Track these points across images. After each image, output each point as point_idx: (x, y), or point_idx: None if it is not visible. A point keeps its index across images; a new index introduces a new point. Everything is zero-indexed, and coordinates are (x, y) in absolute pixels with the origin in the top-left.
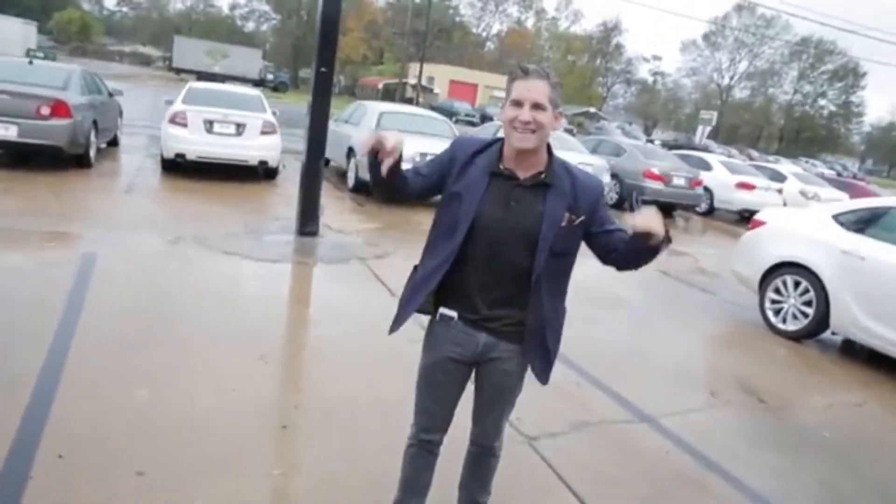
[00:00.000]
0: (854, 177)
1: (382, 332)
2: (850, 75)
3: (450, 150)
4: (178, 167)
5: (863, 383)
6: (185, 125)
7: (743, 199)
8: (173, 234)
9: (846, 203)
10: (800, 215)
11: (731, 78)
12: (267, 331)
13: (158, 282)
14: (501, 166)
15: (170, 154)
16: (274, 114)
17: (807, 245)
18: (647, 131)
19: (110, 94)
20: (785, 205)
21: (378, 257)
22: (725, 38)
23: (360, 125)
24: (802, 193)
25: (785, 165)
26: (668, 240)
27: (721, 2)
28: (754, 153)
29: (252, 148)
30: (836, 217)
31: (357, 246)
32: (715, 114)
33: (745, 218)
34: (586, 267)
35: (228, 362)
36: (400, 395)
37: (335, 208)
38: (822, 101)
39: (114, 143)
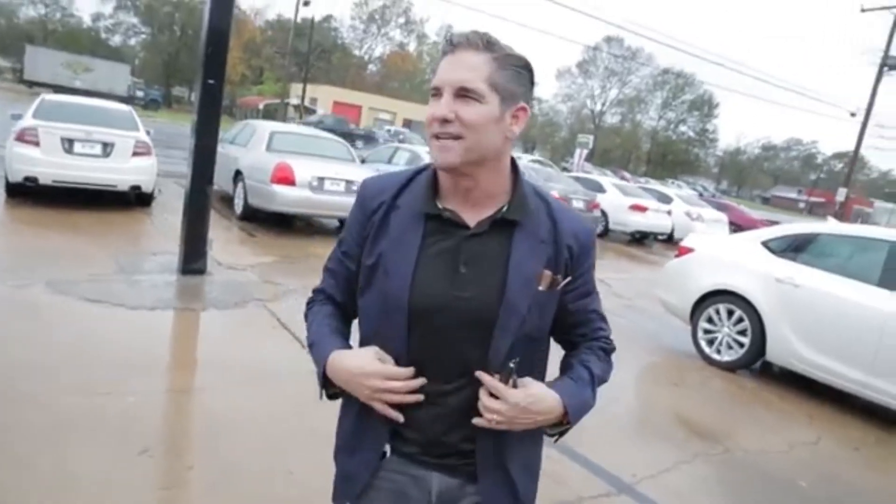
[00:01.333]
0: (713, 197)
1: (298, 395)
2: (706, 105)
3: (357, 201)
4: (28, 193)
5: (809, 416)
6: (36, 143)
7: (637, 221)
8: (20, 279)
9: (774, 229)
10: (728, 242)
11: (603, 104)
12: (149, 409)
13: None
14: (440, 205)
15: (17, 178)
16: (147, 133)
17: (739, 273)
18: (527, 152)
19: None
20: (673, 227)
21: (279, 298)
22: (597, 66)
23: (248, 146)
24: (688, 214)
25: (668, 188)
26: (562, 424)
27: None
28: (627, 175)
29: (122, 171)
30: (765, 243)
31: (253, 284)
32: (592, 137)
33: (637, 239)
34: None
35: (97, 461)
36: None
37: (222, 239)
38: (682, 128)
39: None
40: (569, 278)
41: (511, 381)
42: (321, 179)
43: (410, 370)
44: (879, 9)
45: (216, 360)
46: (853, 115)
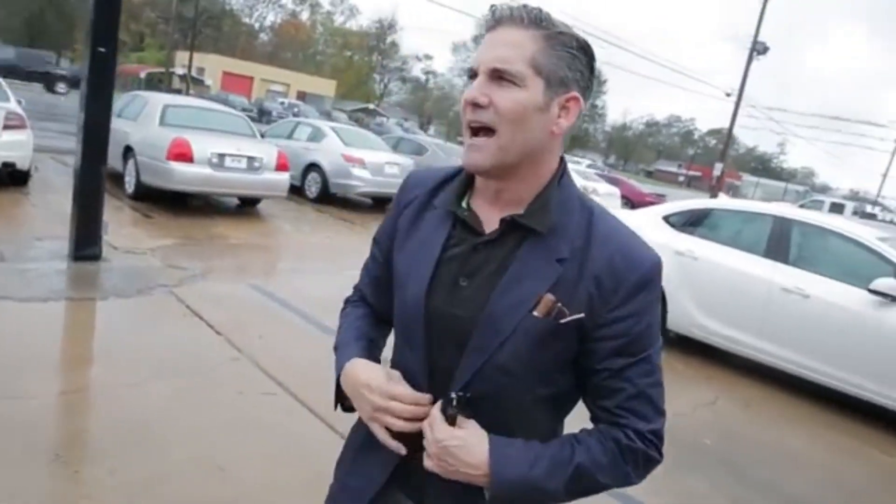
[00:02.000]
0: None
1: (218, 386)
2: (595, 81)
3: (397, 195)
4: None
5: (708, 378)
6: None
7: None
8: None
9: (673, 205)
10: (630, 216)
11: None
12: (57, 412)
13: None
14: (466, 203)
15: None
16: (19, 103)
17: None
18: (423, 127)
19: None
20: None
21: (186, 282)
22: None
23: (138, 120)
24: (584, 188)
25: None
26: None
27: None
28: None
29: None
30: (665, 218)
31: (155, 270)
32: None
33: None
34: None
35: (3, 474)
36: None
37: (115, 221)
38: None
39: None
40: (581, 315)
41: (450, 414)
42: (221, 156)
43: (421, 396)
44: None
45: (126, 354)
46: (728, 95)
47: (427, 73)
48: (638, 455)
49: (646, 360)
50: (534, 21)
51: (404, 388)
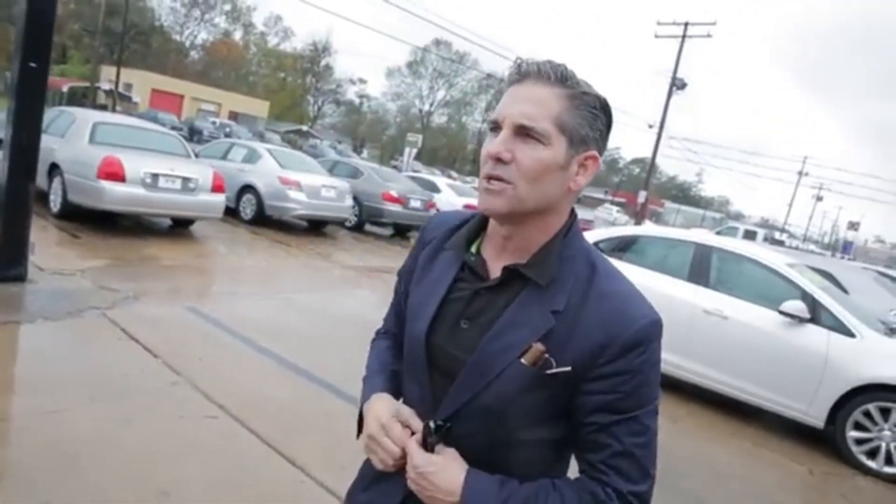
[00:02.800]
0: None
1: (157, 409)
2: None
3: (420, 233)
4: None
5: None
6: None
7: None
8: None
9: (602, 231)
10: None
11: (431, 105)
12: None
13: None
14: (475, 248)
15: None
16: None
17: None
18: (356, 150)
19: None
20: None
21: (119, 305)
22: (426, 67)
23: (66, 136)
24: None
25: None
26: None
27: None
28: (454, 174)
29: None
30: (595, 244)
31: (86, 291)
32: (421, 136)
33: None
34: None
35: None
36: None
37: (40, 241)
38: None
39: None
40: (567, 368)
41: (429, 441)
42: (155, 176)
43: (409, 440)
44: (668, 37)
45: (58, 380)
46: (651, 126)
47: (361, 96)
48: None
49: (635, 420)
50: (560, 79)
51: (396, 425)
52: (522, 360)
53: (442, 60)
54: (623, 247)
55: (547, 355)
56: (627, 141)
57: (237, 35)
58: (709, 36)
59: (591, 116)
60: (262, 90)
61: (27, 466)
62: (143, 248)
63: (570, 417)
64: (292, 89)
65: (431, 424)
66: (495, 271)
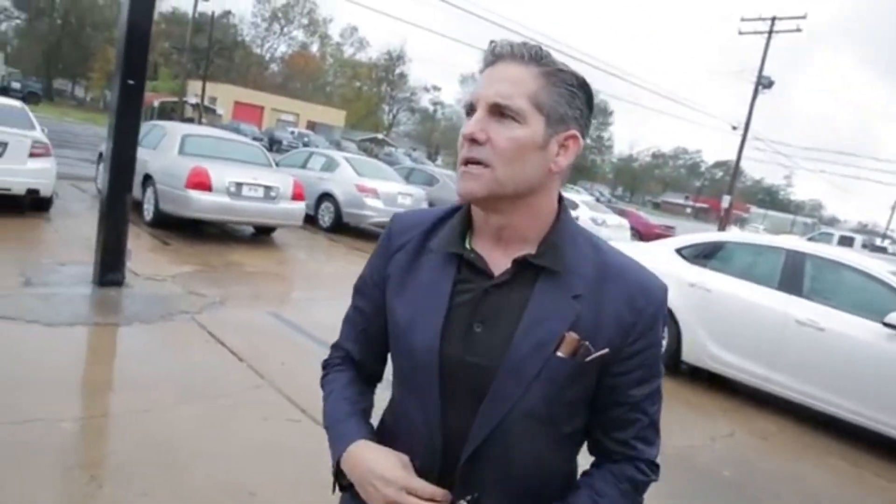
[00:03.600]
0: (609, 202)
1: (244, 412)
2: (602, 113)
3: (382, 236)
4: None
5: (723, 411)
6: None
7: None
8: None
9: (685, 238)
10: (643, 249)
11: None
12: (87, 435)
13: None
14: (469, 245)
15: None
16: (43, 131)
17: None
18: (431, 158)
19: None
20: None
21: (206, 309)
22: None
23: (157, 149)
24: (594, 220)
25: (571, 193)
26: None
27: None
28: None
29: (18, 173)
30: (678, 251)
31: (178, 296)
32: None
33: None
34: None
35: (43, 496)
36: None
37: (135, 248)
38: None
39: None
40: (605, 351)
41: None
42: (239, 185)
43: (439, 491)
44: (753, 33)
45: (151, 379)
46: (734, 128)
47: (435, 103)
48: (645, 485)
49: (657, 390)
50: (534, 58)
51: (422, 483)
52: (559, 353)
53: None
54: (707, 253)
55: (586, 343)
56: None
57: (314, 47)
58: (798, 30)
59: (569, 94)
60: (338, 100)
61: (126, 459)
62: (227, 255)
63: (596, 401)
64: (368, 98)
65: (469, 497)
66: (497, 267)
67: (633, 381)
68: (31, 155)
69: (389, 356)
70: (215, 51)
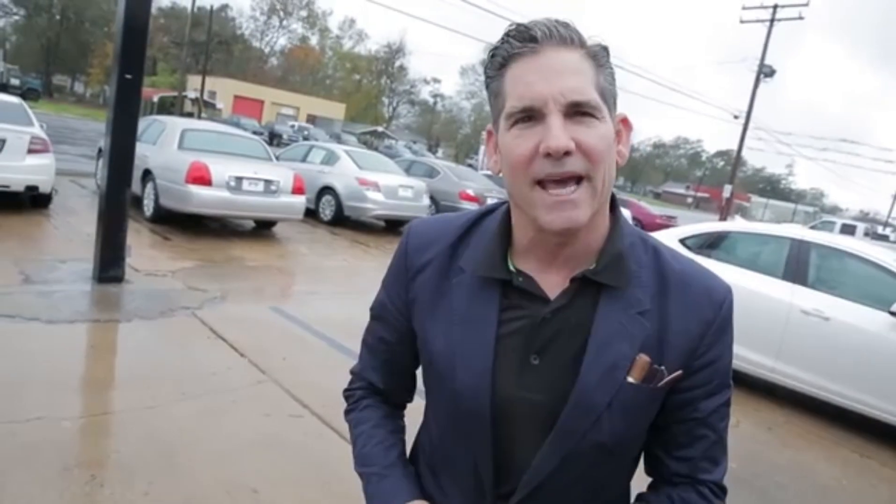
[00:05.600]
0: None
1: (246, 409)
2: None
3: (399, 250)
4: None
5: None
6: None
7: None
8: None
9: (689, 228)
10: None
11: None
12: (88, 434)
13: None
14: (512, 265)
15: None
16: (42, 127)
17: None
18: (431, 150)
19: None
20: None
21: (207, 305)
22: None
23: (157, 143)
24: None
25: None
26: None
27: (497, 30)
28: None
29: (17, 170)
30: (682, 241)
31: (178, 292)
32: None
33: None
34: None
35: (42, 496)
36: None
37: (135, 244)
38: None
39: None
40: (679, 373)
41: None
42: (239, 179)
43: None
44: (755, 21)
45: (153, 376)
46: (736, 117)
47: (435, 96)
48: None
49: (726, 403)
50: (579, 39)
51: None
52: (630, 380)
53: None
54: (711, 243)
55: (655, 365)
56: (710, 133)
57: (314, 40)
58: (800, 18)
59: (612, 73)
60: (338, 93)
61: (127, 458)
62: (228, 250)
63: (658, 416)
64: (367, 91)
65: None
66: (552, 288)
67: (701, 396)
68: (30, 151)
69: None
70: (214, 45)
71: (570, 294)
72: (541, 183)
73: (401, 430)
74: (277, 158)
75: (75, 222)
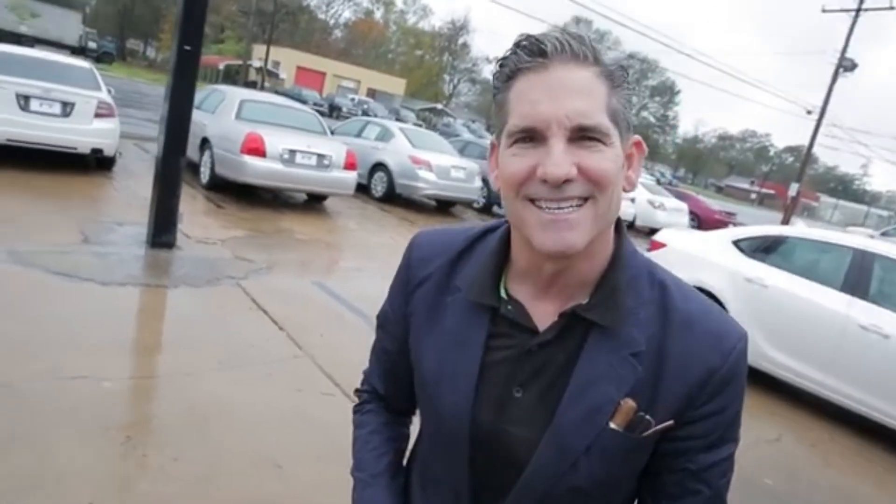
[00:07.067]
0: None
1: (279, 382)
2: (668, 92)
3: (403, 262)
4: None
5: (771, 414)
6: None
7: None
8: None
9: (744, 230)
10: (700, 238)
11: None
12: (128, 395)
13: None
14: (504, 292)
15: None
16: (109, 92)
17: (710, 270)
18: (490, 130)
19: None
20: (636, 215)
21: (252, 275)
22: None
23: (216, 113)
24: (651, 203)
25: None
26: None
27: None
28: None
29: (84, 133)
30: (736, 243)
31: (225, 261)
32: None
33: None
34: None
35: (77, 452)
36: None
37: (189, 210)
38: (644, 113)
39: None
40: (669, 423)
41: None
42: (292, 152)
43: None
44: (839, 10)
45: (193, 343)
46: (809, 112)
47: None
48: None
49: (728, 458)
50: (595, 56)
51: None
52: (612, 425)
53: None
54: (767, 247)
55: (641, 413)
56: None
57: (378, 14)
58: (890, 8)
59: (628, 95)
60: (399, 68)
61: (163, 421)
62: (278, 221)
63: (649, 462)
64: (429, 67)
65: None
66: (542, 319)
67: (698, 448)
68: (97, 115)
69: None
70: (281, 15)
71: (558, 329)
72: (537, 201)
73: (399, 437)
74: (333, 133)
75: (135, 185)
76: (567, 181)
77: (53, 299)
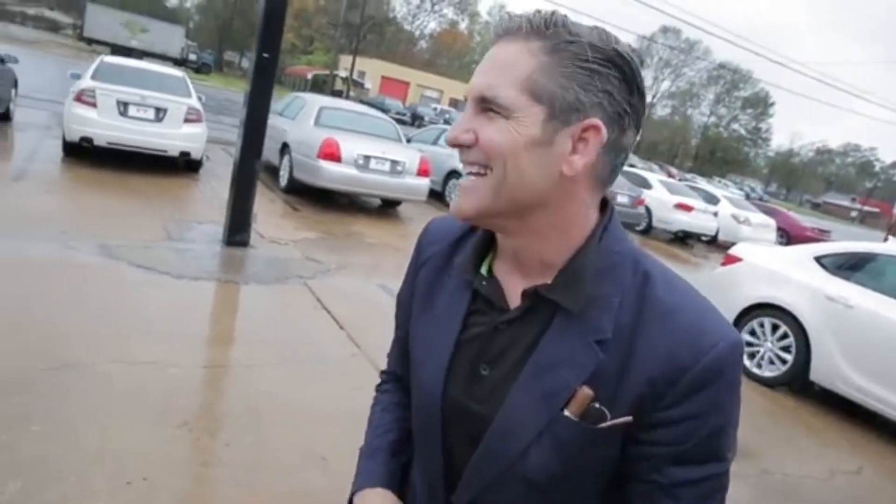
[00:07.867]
0: (760, 199)
1: (334, 381)
2: (761, 103)
3: (417, 246)
4: (83, 153)
5: (852, 443)
6: (93, 105)
7: (681, 220)
8: (70, 239)
9: (828, 246)
10: (778, 253)
11: (654, 96)
12: (190, 383)
13: (39, 308)
14: (485, 269)
15: (73, 137)
16: (199, 99)
17: (788, 287)
18: None
19: (1, 60)
20: (718, 229)
21: (320, 276)
22: (652, 56)
23: (296, 119)
24: (735, 217)
25: (715, 188)
26: None
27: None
28: (673, 170)
29: (174, 137)
30: (818, 259)
31: (295, 261)
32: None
33: (680, 238)
34: None
35: (137, 433)
36: None
37: (266, 212)
38: (734, 125)
39: (5, 117)
40: (627, 419)
41: None
42: (367, 158)
43: None
44: None
45: (256, 338)
46: None
47: None
48: None
49: (710, 479)
50: (536, 30)
51: None
52: (566, 413)
53: (669, 49)
54: (853, 265)
55: (597, 404)
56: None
57: (462, 25)
58: None
59: (585, 73)
60: None
61: (219, 409)
62: (350, 224)
63: (622, 466)
64: None
65: None
66: (514, 297)
67: (666, 457)
68: (186, 120)
69: None
70: (367, 26)
71: (524, 308)
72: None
73: (404, 423)
74: (409, 140)
75: (218, 187)
76: (467, 147)
77: (133, 290)
